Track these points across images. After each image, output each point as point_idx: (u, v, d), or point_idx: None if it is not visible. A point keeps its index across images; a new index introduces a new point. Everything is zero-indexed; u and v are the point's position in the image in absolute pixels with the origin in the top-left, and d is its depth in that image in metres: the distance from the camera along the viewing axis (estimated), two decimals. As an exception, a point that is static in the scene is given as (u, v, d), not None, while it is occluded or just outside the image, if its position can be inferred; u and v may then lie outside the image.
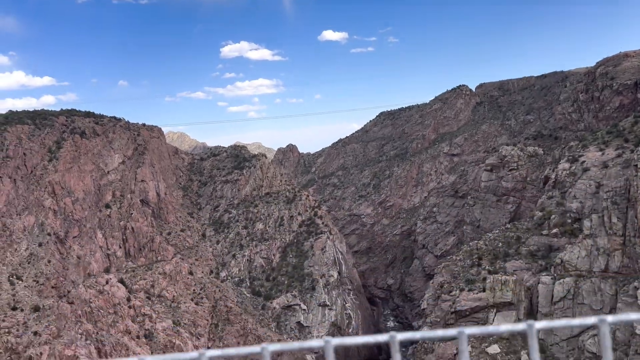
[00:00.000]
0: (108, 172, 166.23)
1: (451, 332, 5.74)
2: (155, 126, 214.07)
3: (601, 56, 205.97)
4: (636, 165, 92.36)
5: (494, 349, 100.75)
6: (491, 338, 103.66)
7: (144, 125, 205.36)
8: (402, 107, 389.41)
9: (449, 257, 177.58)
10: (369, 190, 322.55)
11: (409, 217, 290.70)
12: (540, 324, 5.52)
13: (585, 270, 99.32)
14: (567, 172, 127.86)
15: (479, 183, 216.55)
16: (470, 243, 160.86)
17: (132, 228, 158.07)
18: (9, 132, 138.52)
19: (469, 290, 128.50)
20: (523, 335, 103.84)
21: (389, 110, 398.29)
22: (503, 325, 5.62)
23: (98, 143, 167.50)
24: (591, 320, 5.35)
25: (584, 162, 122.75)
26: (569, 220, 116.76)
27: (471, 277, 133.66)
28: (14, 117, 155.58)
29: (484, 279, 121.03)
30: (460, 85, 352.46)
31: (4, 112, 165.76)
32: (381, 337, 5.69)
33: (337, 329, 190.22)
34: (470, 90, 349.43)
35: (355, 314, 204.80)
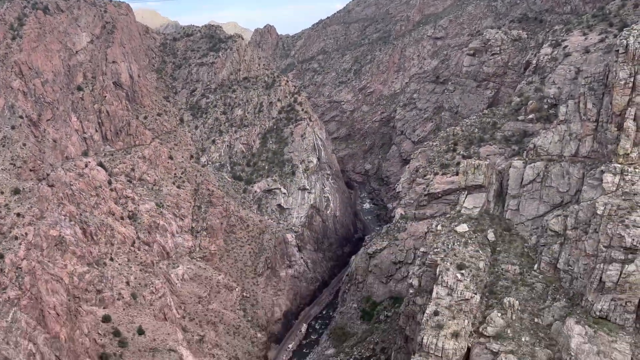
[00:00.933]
0: (76, 52, 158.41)
1: None
2: (123, 2, 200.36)
3: None
4: (617, 51, 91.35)
5: (462, 227, 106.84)
6: (461, 218, 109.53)
7: (110, 0, 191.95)
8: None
9: (425, 143, 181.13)
10: (349, 76, 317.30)
11: (389, 104, 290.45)
12: None
13: (556, 155, 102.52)
14: (549, 57, 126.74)
15: (461, 68, 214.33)
16: (448, 129, 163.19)
17: (107, 111, 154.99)
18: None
19: (443, 174, 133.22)
20: (491, 215, 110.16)
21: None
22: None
23: (63, 20, 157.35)
24: None
25: (566, 47, 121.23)
26: (546, 106, 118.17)
27: (446, 162, 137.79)
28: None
29: (458, 163, 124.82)
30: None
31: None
32: None
33: (316, 211, 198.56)
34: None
35: (334, 197, 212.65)
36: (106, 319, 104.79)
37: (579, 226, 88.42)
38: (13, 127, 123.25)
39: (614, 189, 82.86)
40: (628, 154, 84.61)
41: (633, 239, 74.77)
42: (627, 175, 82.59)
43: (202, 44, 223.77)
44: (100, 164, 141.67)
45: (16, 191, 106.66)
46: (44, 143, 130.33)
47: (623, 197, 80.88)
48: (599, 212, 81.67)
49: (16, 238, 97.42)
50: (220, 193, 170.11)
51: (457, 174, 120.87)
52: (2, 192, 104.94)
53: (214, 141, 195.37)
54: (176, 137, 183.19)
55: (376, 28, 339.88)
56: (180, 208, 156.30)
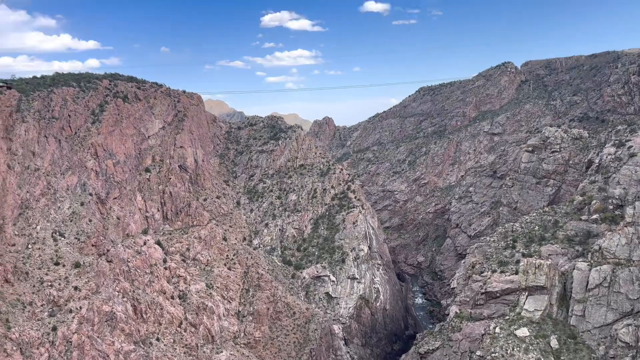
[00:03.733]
0: (148, 136, 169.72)
1: None
2: (195, 93, 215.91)
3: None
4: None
5: (523, 332, 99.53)
6: (521, 321, 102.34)
7: (184, 92, 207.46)
8: (444, 83, 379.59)
9: (482, 238, 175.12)
10: (404, 167, 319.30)
11: (444, 196, 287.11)
12: None
13: (624, 258, 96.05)
14: (612, 156, 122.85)
15: (519, 164, 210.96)
16: (506, 225, 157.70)
17: (170, 192, 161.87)
18: (55, 93, 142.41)
19: (501, 272, 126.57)
20: (554, 320, 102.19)
21: (430, 85, 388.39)
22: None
23: (139, 108, 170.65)
24: None
25: (631, 147, 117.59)
26: (611, 207, 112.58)
27: (504, 259, 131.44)
28: (60, 79, 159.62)
29: (518, 261, 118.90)
30: (505, 62, 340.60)
31: (50, 74, 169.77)
32: None
33: (365, 302, 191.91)
34: (516, 67, 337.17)
35: (384, 288, 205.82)
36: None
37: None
38: (82, 204, 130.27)
39: (695, 301, 75.59)
40: None
41: None
42: None
43: (263, 133, 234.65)
44: (158, 242, 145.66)
45: (77, 265, 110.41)
46: (109, 220, 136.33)
47: None
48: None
49: (70, 311, 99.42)
50: (269, 277, 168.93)
51: (516, 272, 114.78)
52: (64, 265, 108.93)
53: (267, 224, 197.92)
54: (232, 220, 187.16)
55: (431, 122, 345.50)
56: (229, 290, 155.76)
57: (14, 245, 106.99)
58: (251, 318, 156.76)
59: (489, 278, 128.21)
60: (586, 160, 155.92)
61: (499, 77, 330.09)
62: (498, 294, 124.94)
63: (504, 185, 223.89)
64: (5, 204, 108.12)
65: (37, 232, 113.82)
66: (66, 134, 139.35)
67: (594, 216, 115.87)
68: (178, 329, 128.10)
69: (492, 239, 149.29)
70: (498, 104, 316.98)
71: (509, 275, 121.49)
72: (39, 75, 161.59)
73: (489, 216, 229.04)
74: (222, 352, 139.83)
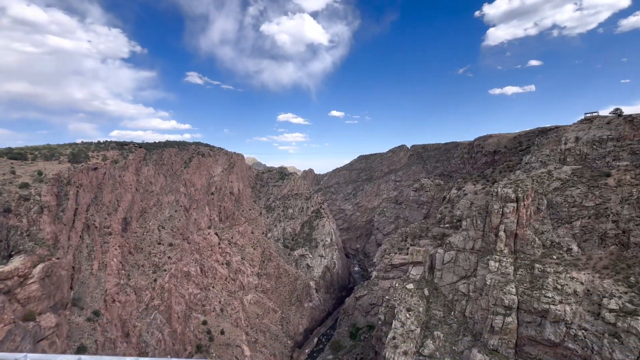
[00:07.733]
0: (214, 176, 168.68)
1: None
2: (240, 153, 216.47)
3: (478, 134, 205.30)
4: (492, 194, 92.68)
5: (410, 286, 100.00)
6: (409, 279, 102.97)
7: (234, 152, 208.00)
8: (372, 153, 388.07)
9: (390, 235, 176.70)
10: (350, 197, 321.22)
11: (371, 212, 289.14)
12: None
13: (461, 247, 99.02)
14: (455, 194, 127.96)
15: (409, 197, 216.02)
16: (402, 229, 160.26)
17: (224, 207, 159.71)
18: (165, 151, 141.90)
19: (399, 253, 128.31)
20: (426, 280, 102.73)
21: (364, 154, 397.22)
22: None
23: (210, 160, 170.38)
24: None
25: (464, 190, 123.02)
26: (455, 220, 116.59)
27: (401, 247, 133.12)
28: (168, 144, 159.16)
29: (408, 248, 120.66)
30: (401, 145, 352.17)
31: (163, 141, 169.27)
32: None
33: (327, 269, 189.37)
34: (407, 147, 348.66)
35: (338, 262, 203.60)
36: (204, 322, 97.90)
37: (477, 290, 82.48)
38: (176, 211, 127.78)
39: (496, 270, 78.70)
40: (502, 251, 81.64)
41: (509, 301, 69.12)
42: (503, 262, 78.91)
43: (276, 175, 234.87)
44: (216, 234, 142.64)
45: (170, 244, 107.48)
46: (190, 220, 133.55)
47: (501, 276, 76.43)
48: (487, 282, 76.75)
49: (165, 270, 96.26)
50: (275, 254, 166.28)
51: (407, 254, 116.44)
52: (163, 244, 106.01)
53: (275, 225, 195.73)
54: (256, 222, 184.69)
55: (365, 174, 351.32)
56: (253, 260, 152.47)
57: (135, 232, 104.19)
58: (265, 276, 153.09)
59: (393, 257, 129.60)
60: (442, 196, 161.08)
61: (399, 152, 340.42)
62: (398, 265, 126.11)
63: (401, 208, 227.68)
64: (133, 210, 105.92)
65: (149, 225, 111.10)
66: (170, 173, 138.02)
67: (446, 225, 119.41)
68: (225, 282, 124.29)
69: (395, 236, 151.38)
70: (399, 165, 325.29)
71: (404, 255, 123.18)
72: (157, 141, 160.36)
73: (394, 224, 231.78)
74: (248, 295, 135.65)
